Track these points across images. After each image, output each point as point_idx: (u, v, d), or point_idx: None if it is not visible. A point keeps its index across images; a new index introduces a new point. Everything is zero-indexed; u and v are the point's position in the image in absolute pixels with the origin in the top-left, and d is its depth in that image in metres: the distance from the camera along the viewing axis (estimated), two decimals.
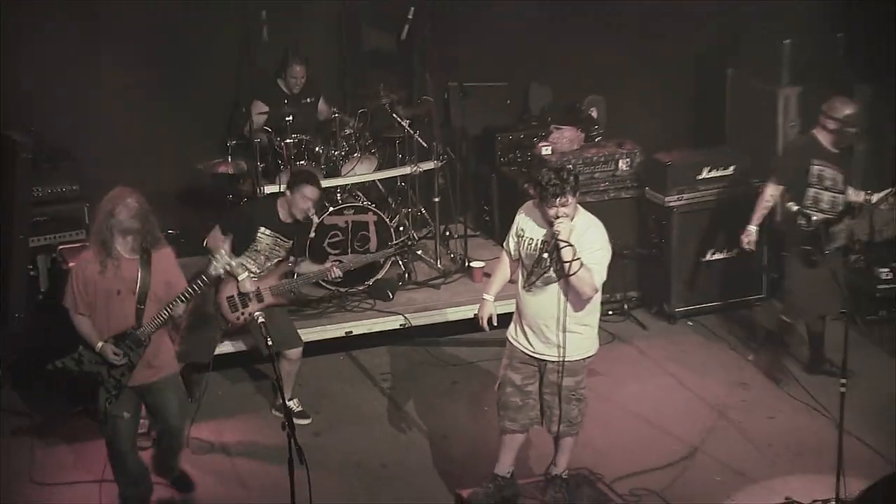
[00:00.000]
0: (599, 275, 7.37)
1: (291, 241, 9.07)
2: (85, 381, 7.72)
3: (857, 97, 10.58)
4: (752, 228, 9.64)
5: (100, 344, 7.54)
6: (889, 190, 9.38)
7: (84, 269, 7.53)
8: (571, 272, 7.22)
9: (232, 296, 8.93)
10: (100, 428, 7.84)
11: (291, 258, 9.10)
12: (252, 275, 8.91)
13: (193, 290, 7.64)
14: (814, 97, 10.88)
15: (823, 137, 9.40)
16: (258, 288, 8.93)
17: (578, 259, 7.21)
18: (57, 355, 7.72)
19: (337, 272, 9.25)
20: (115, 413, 7.65)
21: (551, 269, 7.37)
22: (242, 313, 8.94)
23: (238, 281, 8.84)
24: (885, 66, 10.70)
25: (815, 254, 9.36)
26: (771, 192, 9.56)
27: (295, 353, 9.04)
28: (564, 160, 10.52)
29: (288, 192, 8.96)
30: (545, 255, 7.35)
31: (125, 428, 7.74)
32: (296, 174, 9.28)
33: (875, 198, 9.42)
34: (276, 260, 9.01)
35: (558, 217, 7.26)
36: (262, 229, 8.94)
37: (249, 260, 8.94)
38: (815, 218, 9.35)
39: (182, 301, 7.61)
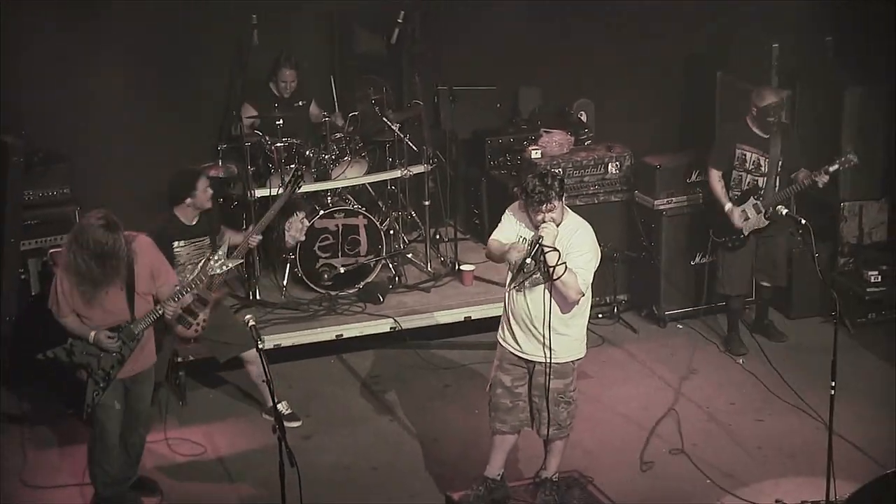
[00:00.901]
0: (584, 278, 7.38)
1: (207, 237, 8.97)
2: (75, 377, 7.70)
3: (849, 99, 10.64)
4: (729, 206, 9.97)
5: (92, 334, 7.53)
6: (830, 167, 9.71)
7: (69, 275, 7.47)
8: (556, 276, 7.25)
9: (179, 314, 8.83)
10: (88, 421, 7.80)
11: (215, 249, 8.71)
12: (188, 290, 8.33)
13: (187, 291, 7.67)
14: (803, 100, 10.97)
15: (751, 122, 9.89)
16: (196, 294, 8.55)
17: (563, 263, 7.23)
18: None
19: (257, 238, 9.13)
20: (106, 402, 7.65)
21: (537, 271, 7.40)
22: (198, 324, 8.73)
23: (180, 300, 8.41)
24: (875, 68, 10.71)
25: (731, 240, 10.03)
26: (715, 178, 10.04)
27: (250, 354, 8.90)
28: (554, 164, 10.55)
29: (188, 199, 8.77)
30: (528, 260, 7.36)
31: (115, 418, 7.72)
32: (182, 179, 8.93)
33: (813, 173, 9.76)
34: (200, 263, 8.44)
35: (545, 222, 7.29)
36: (175, 244, 8.80)
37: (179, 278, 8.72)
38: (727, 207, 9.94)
39: (175, 301, 7.63)
